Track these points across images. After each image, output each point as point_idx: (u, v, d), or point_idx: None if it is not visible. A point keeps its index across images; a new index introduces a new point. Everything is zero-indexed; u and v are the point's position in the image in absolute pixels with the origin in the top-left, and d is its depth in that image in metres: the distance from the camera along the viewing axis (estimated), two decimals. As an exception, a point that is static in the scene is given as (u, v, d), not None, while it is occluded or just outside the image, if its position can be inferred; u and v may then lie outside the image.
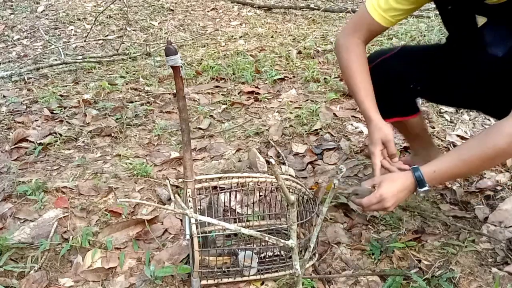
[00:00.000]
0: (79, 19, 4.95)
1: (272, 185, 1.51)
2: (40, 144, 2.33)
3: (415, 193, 1.31)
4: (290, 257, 1.42)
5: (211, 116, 2.66)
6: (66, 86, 3.18)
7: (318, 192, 1.89)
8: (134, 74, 3.38)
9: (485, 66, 1.42)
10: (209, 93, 2.98)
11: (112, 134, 2.46)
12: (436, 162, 1.28)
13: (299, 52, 3.63)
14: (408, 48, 1.77)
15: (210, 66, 3.36)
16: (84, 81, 3.27)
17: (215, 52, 3.75)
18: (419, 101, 1.78)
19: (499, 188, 1.85)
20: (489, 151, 1.17)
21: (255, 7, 5.20)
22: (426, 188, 1.26)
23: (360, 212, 1.70)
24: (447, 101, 1.73)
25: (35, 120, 2.65)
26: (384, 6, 1.41)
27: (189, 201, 1.39)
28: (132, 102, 2.85)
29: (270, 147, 2.29)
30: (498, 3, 1.24)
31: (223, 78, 3.21)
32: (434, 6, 1.49)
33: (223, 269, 1.45)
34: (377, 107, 1.48)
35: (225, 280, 1.44)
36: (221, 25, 4.70)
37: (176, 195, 1.44)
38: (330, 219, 1.74)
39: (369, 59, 1.60)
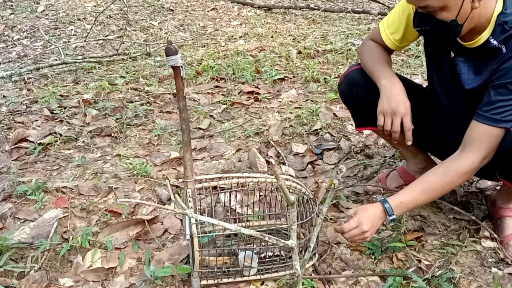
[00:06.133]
0: (79, 19, 4.95)
1: (272, 185, 1.51)
2: (40, 144, 2.33)
3: (384, 222, 1.42)
4: (290, 257, 1.42)
5: (211, 116, 2.66)
6: (66, 86, 3.18)
7: (318, 192, 1.89)
8: (134, 74, 3.38)
9: (454, 97, 1.54)
10: (209, 93, 2.98)
11: (112, 134, 2.46)
12: (402, 194, 1.41)
13: (299, 52, 3.63)
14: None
15: (210, 66, 3.36)
16: (84, 81, 3.27)
17: (215, 52, 3.75)
18: None
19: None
20: (448, 186, 1.40)
21: (255, 7, 5.19)
22: (394, 216, 1.38)
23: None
24: None
25: (35, 120, 2.65)
26: (390, 28, 1.59)
27: (189, 201, 1.40)
28: (132, 102, 2.85)
29: (270, 147, 2.29)
30: (472, 47, 1.38)
31: (223, 78, 3.21)
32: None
33: (223, 269, 1.45)
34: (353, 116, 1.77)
35: (225, 280, 1.44)
36: (221, 25, 4.70)
37: (176, 195, 1.44)
38: (330, 219, 1.74)
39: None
